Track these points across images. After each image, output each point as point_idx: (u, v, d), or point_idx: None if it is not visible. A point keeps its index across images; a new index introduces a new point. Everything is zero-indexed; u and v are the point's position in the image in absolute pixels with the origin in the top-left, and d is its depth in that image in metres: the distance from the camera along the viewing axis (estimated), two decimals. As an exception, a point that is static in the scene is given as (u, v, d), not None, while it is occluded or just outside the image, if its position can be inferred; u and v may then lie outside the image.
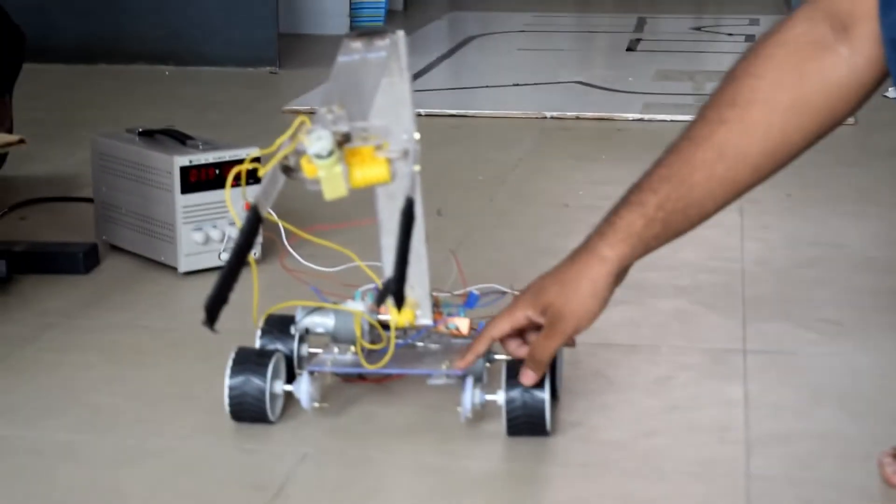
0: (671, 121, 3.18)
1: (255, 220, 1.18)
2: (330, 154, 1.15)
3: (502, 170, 2.68)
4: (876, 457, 1.32)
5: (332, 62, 1.34)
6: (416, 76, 3.63)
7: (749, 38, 4.68)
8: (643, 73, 3.87)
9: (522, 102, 3.41)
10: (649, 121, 3.20)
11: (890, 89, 3.49)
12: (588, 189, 2.53)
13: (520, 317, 1.40)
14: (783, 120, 1.29)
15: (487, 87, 3.71)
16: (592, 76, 3.79)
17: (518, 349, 1.42)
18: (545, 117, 3.24)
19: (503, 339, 1.42)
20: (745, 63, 1.32)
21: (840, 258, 2.07)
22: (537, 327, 1.40)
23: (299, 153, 1.17)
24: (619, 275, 1.37)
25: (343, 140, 1.17)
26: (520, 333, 1.42)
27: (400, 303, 1.14)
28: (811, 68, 1.28)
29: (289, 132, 1.17)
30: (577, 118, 3.23)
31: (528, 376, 1.38)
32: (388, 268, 1.49)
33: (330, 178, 1.16)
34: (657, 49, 4.44)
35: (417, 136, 1.35)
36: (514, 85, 3.70)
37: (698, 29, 5.03)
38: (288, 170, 1.18)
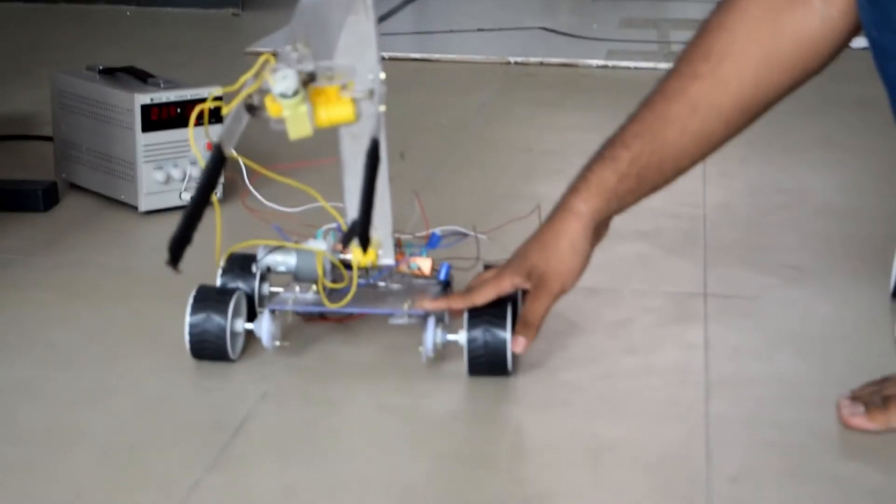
0: (635, 68, 3.18)
1: (218, 160, 1.17)
2: (295, 93, 1.14)
3: (465, 114, 2.67)
4: (835, 400, 1.33)
5: (296, 3, 1.32)
6: (380, 20, 3.60)
7: (714, -14, 4.67)
8: (607, 20, 3.86)
9: (486, 47, 3.39)
10: (613, 68, 3.19)
11: (854, 40, 3.50)
12: (551, 135, 2.52)
13: (506, 285, 1.40)
14: (756, 74, 1.29)
15: (451, 31, 3.70)
16: (557, 23, 3.78)
17: None
18: (509, 63, 3.23)
19: None
20: (719, 16, 1.32)
21: (801, 205, 2.08)
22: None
23: (263, 92, 1.16)
24: (598, 229, 1.37)
25: (308, 79, 1.16)
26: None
27: (365, 244, 1.14)
28: (784, 21, 1.28)
29: (252, 70, 1.16)
30: (541, 64, 3.22)
31: (519, 343, 1.37)
32: (352, 208, 1.49)
33: (295, 118, 1.15)
34: (622, -3, 4.43)
35: (383, 76, 1.34)
36: (478, 30, 3.69)
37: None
38: (252, 109, 1.17)
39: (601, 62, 3.22)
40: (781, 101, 1.33)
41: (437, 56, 3.28)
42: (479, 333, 1.38)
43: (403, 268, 1.50)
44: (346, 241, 1.45)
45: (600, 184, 1.35)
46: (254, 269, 1.50)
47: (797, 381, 1.43)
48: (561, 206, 1.38)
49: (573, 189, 1.37)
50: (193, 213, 1.17)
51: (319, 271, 1.44)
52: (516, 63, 3.22)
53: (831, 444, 1.29)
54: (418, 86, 2.96)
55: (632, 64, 3.20)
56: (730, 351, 1.51)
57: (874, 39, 1.24)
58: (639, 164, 1.33)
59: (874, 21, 1.23)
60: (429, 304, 1.41)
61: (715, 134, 1.33)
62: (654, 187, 1.37)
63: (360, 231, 1.17)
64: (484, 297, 1.40)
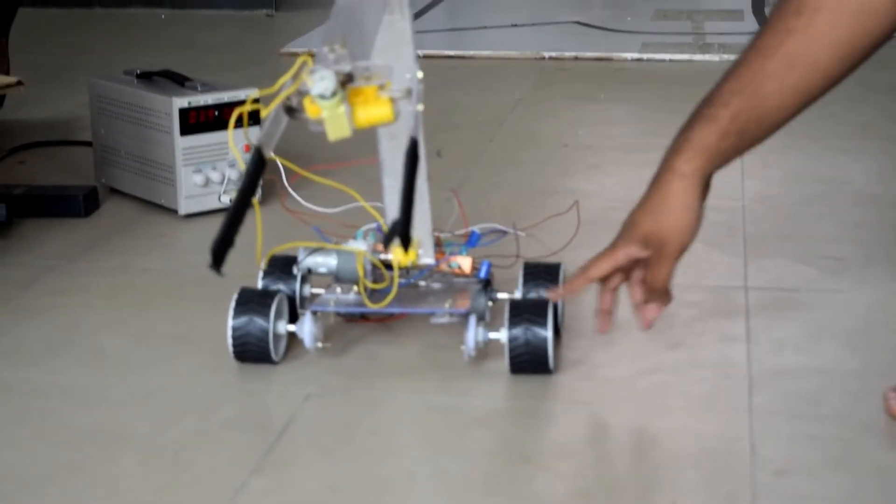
0: (670, 60, 3.17)
1: (259, 162, 1.18)
2: (333, 94, 1.14)
3: (501, 111, 2.67)
4: (879, 391, 1.33)
5: (331, 4, 1.33)
6: (413, 18, 3.60)
7: (747, -24, 4.64)
8: (641, 12, 3.85)
9: (520, 43, 3.39)
10: (648, 60, 3.18)
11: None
12: (587, 129, 2.52)
13: (620, 255, 1.39)
14: (850, 24, 1.30)
15: (485, 27, 3.69)
16: (590, 16, 3.77)
17: (609, 301, 1.44)
18: (543, 58, 3.22)
19: (601, 285, 1.43)
20: None
21: (841, 194, 2.07)
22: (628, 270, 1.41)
23: (302, 93, 1.16)
24: (704, 186, 1.37)
25: (346, 80, 1.16)
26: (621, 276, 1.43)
27: (407, 243, 1.14)
28: None
29: (291, 72, 1.17)
30: (576, 58, 3.22)
31: (652, 310, 1.40)
32: (391, 208, 1.49)
33: (333, 119, 1.15)
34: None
35: (420, 74, 1.34)
36: (512, 25, 3.68)
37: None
38: (291, 110, 1.18)
39: (636, 55, 3.21)
40: (877, 50, 1.32)
41: (471, 53, 3.28)
42: (520, 332, 1.39)
43: (444, 267, 1.50)
44: (387, 241, 1.45)
45: (702, 143, 1.36)
46: (295, 270, 1.50)
47: (840, 373, 1.43)
48: (664, 169, 1.38)
49: (674, 150, 1.38)
50: (235, 216, 1.18)
51: (360, 272, 1.45)
52: (550, 58, 3.22)
53: (875, 435, 1.29)
54: (453, 83, 2.96)
55: (667, 56, 3.19)
56: (772, 344, 1.50)
57: None
58: (739, 121, 1.34)
59: None
60: (555, 295, 1.43)
61: (813, 87, 1.34)
62: (755, 142, 1.38)
63: (402, 230, 1.17)
64: (599, 269, 1.40)
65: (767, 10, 3.80)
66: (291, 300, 1.51)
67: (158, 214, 1.99)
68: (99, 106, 2.09)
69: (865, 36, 1.31)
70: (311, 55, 1.19)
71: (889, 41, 1.34)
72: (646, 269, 1.40)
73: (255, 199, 1.22)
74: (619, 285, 1.44)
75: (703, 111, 1.36)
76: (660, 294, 1.40)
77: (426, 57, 3.15)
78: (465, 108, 2.69)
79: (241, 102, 1.95)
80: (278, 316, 1.44)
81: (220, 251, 1.18)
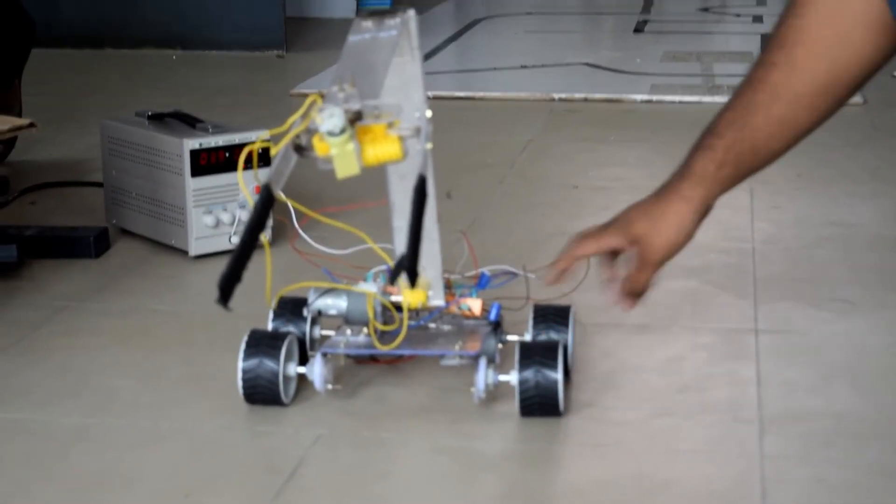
0: (679, 102, 3.18)
1: (267, 199, 1.18)
2: (342, 132, 1.14)
3: (511, 152, 2.67)
4: (891, 435, 1.32)
5: (341, 45, 1.33)
6: (423, 58, 3.62)
7: (756, 18, 4.67)
8: (651, 54, 3.86)
9: (530, 84, 3.40)
10: (657, 102, 3.19)
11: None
12: (597, 170, 2.52)
13: (606, 243, 1.44)
14: (828, 57, 1.32)
15: (495, 69, 3.71)
16: (600, 58, 3.79)
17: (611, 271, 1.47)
18: (553, 99, 3.23)
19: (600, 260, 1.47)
20: (791, 4, 1.35)
21: (851, 237, 2.07)
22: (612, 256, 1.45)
23: (311, 131, 1.16)
24: (704, 212, 1.43)
25: (355, 118, 1.16)
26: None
27: (414, 279, 1.14)
28: (851, 2, 1.30)
29: (301, 110, 1.17)
30: (586, 100, 3.23)
31: (629, 304, 1.44)
32: (401, 249, 1.49)
33: (342, 156, 1.15)
34: (665, 30, 4.43)
35: (429, 114, 1.35)
36: (522, 67, 3.69)
37: (705, 10, 5.01)
38: (300, 148, 1.18)
39: (645, 97, 3.22)
40: (861, 84, 1.34)
41: (480, 94, 3.29)
42: (530, 374, 1.38)
43: (454, 309, 1.50)
44: (393, 276, 1.46)
45: (702, 173, 1.40)
46: (305, 312, 1.50)
47: (851, 417, 1.42)
48: (670, 189, 1.43)
49: (680, 175, 1.44)
50: (243, 252, 1.18)
51: (370, 314, 1.45)
52: (560, 99, 3.22)
53: (888, 479, 1.28)
54: (463, 124, 2.97)
55: (676, 98, 3.20)
56: (783, 386, 1.50)
57: None
58: (734, 152, 1.38)
59: None
60: (549, 279, 1.46)
61: (800, 119, 1.37)
62: (753, 170, 1.43)
63: (409, 265, 1.17)
64: (584, 250, 1.45)
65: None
66: (301, 342, 1.51)
67: (169, 255, 1.99)
68: (110, 147, 2.09)
69: (844, 68, 1.33)
70: (322, 95, 1.19)
71: (874, 75, 1.35)
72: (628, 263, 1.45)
73: (266, 240, 1.23)
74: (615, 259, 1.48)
75: (703, 140, 1.42)
76: (637, 294, 1.44)
77: (436, 98, 3.16)
78: (475, 149, 2.70)
79: (252, 143, 1.95)
80: (288, 358, 1.44)
81: (227, 286, 1.18)
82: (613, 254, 1.46)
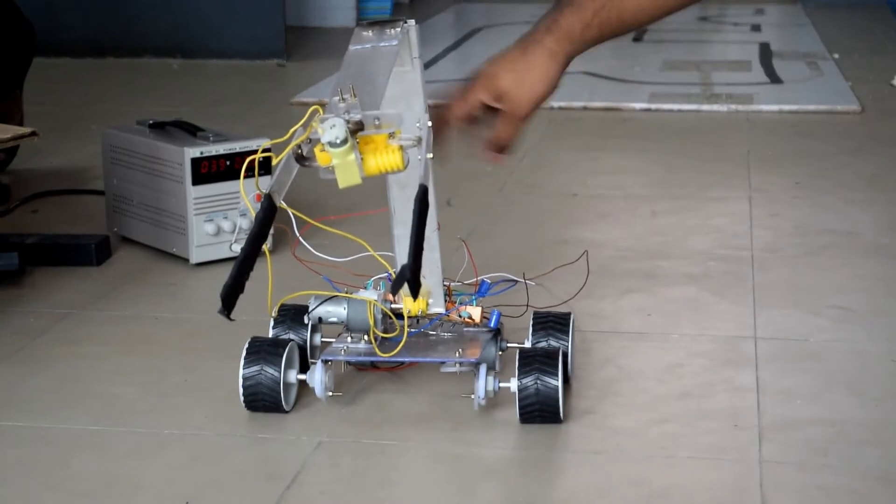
0: (678, 110, 3.19)
1: (269, 208, 1.19)
2: (343, 142, 1.15)
3: (510, 160, 2.67)
4: (889, 442, 1.32)
5: (341, 54, 1.34)
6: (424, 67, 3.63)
7: (755, 27, 4.68)
8: (650, 62, 3.87)
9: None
10: (656, 110, 3.20)
11: (897, 77, 3.50)
12: (596, 178, 2.53)
13: (474, 101, 1.45)
14: None
15: (494, 77, 3.70)
16: (599, 66, 3.79)
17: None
18: (552, 108, 3.24)
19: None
20: None
21: (849, 245, 2.08)
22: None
23: (313, 142, 1.17)
24: (566, 65, 1.46)
25: (356, 128, 1.17)
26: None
27: (416, 289, 1.15)
28: None
29: (302, 121, 1.18)
30: (585, 108, 3.23)
31: (497, 157, 1.46)
32: (401, 257, 1.50)
33: (344, 167, 1.16)
34: (663, 39, 4.44)
35: (430, 123, 1.35)
36: (521, 76, 3.69)
37: (704, 19, 5.03)
38: (301, 158, 1.19)
39: (644, 105, 3.23)
40: None
41: (480, 102, 3.29)
42: (530, 381, 1.39)
43: (454, 316, 1.50)
44: (395, 286, 1.46)
45: (568, 29, 1.43)
46: (305, 319, 1.51)
47: (850, 424, 1.42)
48: (534, 42, 1.45)
49: (546, 28, 1.45)
50: (245, 262, 1.19)
51: (371, 321, 1.45)
52: (559, 108, 3.23)
53: (887, 487, 1.28)
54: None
55: (675, 106, 3.21)
56: (782, 394, 1.50)
57: None
58: (600, 17, 1.44)
59: None
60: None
61: None
62: (615, 35, 1.45)
63: (411, 276, 1.18)
64: (458, 113, 1.45)
65: (775, 61, 3.83)
66: (302, 349, 1.52)
67: (170, 263, 2.00)
68: (112, 156, 2.10)
69: None
70: (322, 105, 1.20)
71: None
72: (493, 122, 1.46)
73: (267, 248, 1.23)
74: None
75: None
76: (504, 147, 1.46)
77: (436, 106, 3.16)
78: (475, 157, 2.70)
79: (253, 152, 1.96)
80: (289, 365, 1.45)
81: (230, 296, 1.19)
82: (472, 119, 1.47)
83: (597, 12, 1.41)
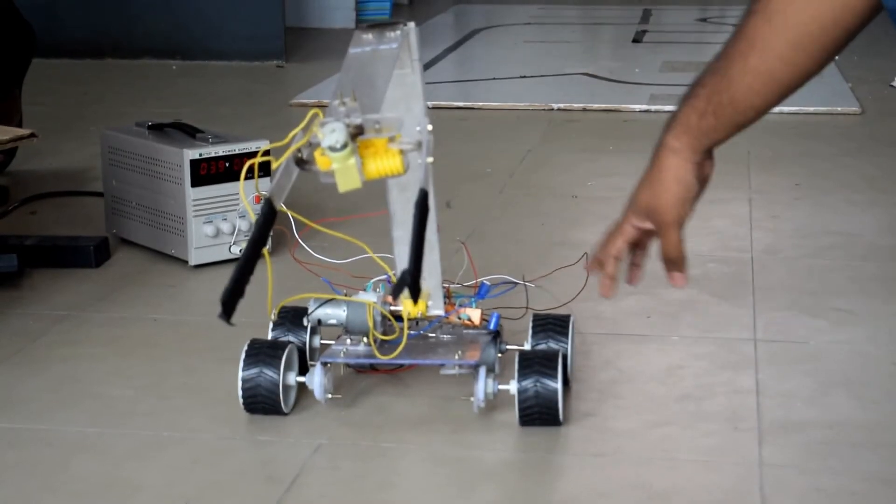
0: (678, 112, 3.18)
1: (269, 213, 1.19)
2: (344, 146, 1.15)
3: (510, 162, 2.68)
4: (890, 444, 1.32)
5: (341, 55, 1.34)
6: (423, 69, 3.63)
7: (755, 28, 4.68)
8: (650, 64, 3.87)
9: (529, 94, 3.41)
10: (656, 112, 3.20)
11: (897, 79, 3.50)
12: (596, 180, 2.53)
13: (628, 230, 1.44)
14: (803, 8, 1.30)
15: (494, 79, 3.71)
16: (599, 68, 3.80)
17: (614, 268, 1.46)
18: (552, 109, 3.24)
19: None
20: None
21: (850, 247, 2.08)
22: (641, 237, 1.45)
23: (313, 145, 1.17)
24: (700, 162, 1.40)
25: (356, 132, 1.17)
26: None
27: (417, 294, 1.15)
28: None
29: (302, 124, 1.18)
30: (585, 110, 3.23)
31: (677, 278, 1.43)
32: (401, 259, 1.50)
33: (344, 171, 1.16)
34: (663, 41, 4.44)
35: (430, 127, 1.35)
36: (521, 77, 3.70)
37: (704, 20, 5.03)
38: (301, 162, 1.19)
39: (644, 106, 3.23)
40: (839, 46, 1.32)
41: (480, 104, 3.30)
42: (530, 383, 1.39)
43: (453, 318, 1.50)
44: (396, 291, 1.46)
45: (685, 122, 1.39)
46: (305, 322, 1.51)
47: (850, 426, 1.42)
48: (659, 146, 1.43)
49: (667, 127, 1.43)
50: (245, 267, 1.19)
51: (370, 323, 1.45)
52: (559, 109, 3.23)
53: (887, 489, 1.28)
54: (462, 134, 2.98)
55: (675, 108, 3.20)
56: (782, 396, 1.50)
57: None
58: (713, 103, 1.37)
59: None
60: (606, 291, 1.45)
61: (775, 72, 1.35)
62: (736, 124, 1.39)
63: (412, 281, 1.17)
64: (616, 247, 1.44)
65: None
66: (301, 351, 1.51)
67: (169, 265, 2.00)
68: (111, 157, 2.10)
69: (819, 20, 1.30)
70: (322, 107, 1.20)
71: (854, 35, 1.33)
72: (654, 240, 1.44)
73: (266, 251, 1.23)
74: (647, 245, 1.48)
75: (690, 90, 1.40)
76: (675, 262, 1.42)
77: (435, 108, 3.16)
78: (475, 159, 2.71)
79: (252, 154, 1.96)
80: (288, 367, 1.45)
81: (230, 301, 1.19)
82: (638, 245, 1.46)
83: (709, 98, 1.36)
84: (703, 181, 1.43)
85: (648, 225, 1.43)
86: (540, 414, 1.40)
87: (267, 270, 1.36)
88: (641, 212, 1.43)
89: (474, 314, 1.50)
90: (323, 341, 1.55)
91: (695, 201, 1.42)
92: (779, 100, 1.37)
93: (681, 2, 5.56)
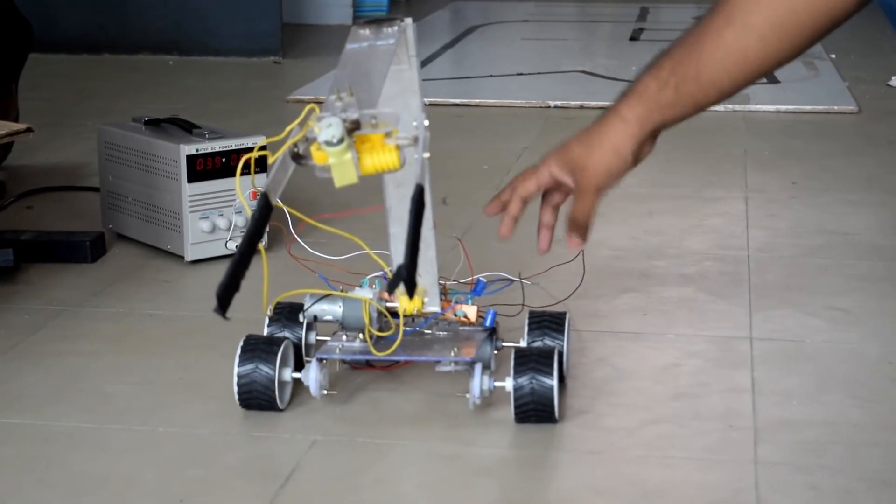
0: (675, 110, 3.18)
1: (265, 208, 1.18)
2: (340, 141, 1.15)
3: (507, 159, 2.68)
4: (885, 443, 1.32)
5: (338, 52, 1.34)
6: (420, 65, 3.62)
7: (752, 27, 4.68)
8: (646, 62, 3.87)
9: (526, 92, 3.41)
10: (653, 110, 3.19)
11: (893, 78, 3.50)
12: (593, 178, 2.52)
13: (544, 174, 1.41)
14: None
15: (491, 76, 3.71)
16: (596, 65, 3.79)
17: (550, 217, 1.47)
18: (549, 106, 3.24)
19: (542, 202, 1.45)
20: None
21: (846, 246, 2.08)
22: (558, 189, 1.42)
23: (309, 140, 1.17)
24: (644, 139, 1.36)
25: (353, 127, 1.17)
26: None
27: (412, 289, 1.15)
28: None
29: (298, 119, 1.18)
30: (581, 107, 3.23)
31: (575, 241, 1.41)
32: (397, 255, 1.50)
33: (340, 166, 1.16)
34: (660, 38, 4.44)
35: (427, 122, 1.35)
36: (518, 74, 3.70)
37: (700, 18, 5.03)
38: (298, 157, 1.18)
39: (641, 104, 3.22)
40: (819, 31, 1.28)
41: (476, 101, 3.30)
42: (525, 381, 1.39)
43: (449, 315, 1.50)
44: (391, 286, 1.46)
45: (643, 91, 1.36)
46: (301, 318, 1.51)
47: (846, 425, 1.42)
48: (609, 111, 1.39)
49: (622, 95, 1.39)
50: (241, 261, 1.18)
51: (366, 319, 1.45)
52: (556, 107, 3.23)
53: (882, 488, 1.28)
54: (459, 131, 2.98)
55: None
56: (777, 395, 1.50)
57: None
58: (677, 74, 1.33)
59: None
60: (505, 231, 1.46)
61: (749, 50, 1.31)
62: (695, 103, 1.35)
63: (407, 276, 1.17)
64: (525, 188, 1.43)
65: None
66: (297, 347, 1.51)
67: (165, 260, 1.99)
68: (107, 152, 2.10)
69: (806, 6, 1.27)
70: (319, 103, 1.20)
71: (839, 24, 1.29)
72: (567, 197, 1.42)
73: (262, 246, 1.23)
74: (560, 203, 1.46)
75: (653, 60, 1.37)
76: (579, 228, 1.40)
77: (432, 105, 3.16)
78: (471, 155, 2.70)
79: (249, 150, 1.96)
80: (284, 363, 1.45)
81: (225, 295, 1.19)
82: (546, 198, 1.43)
83: (673, 69, 1.31)
84: (636, 160, 1.40)
85: (567, 179, 1.39)
86: (535, 411, 1.39)
87: (263, 266, 1.36)
88: (566, 165, 1.39)
89: (470, 311, 1.50)
90: (319, 337, 1.55)
91: (622, 177, 1.39)
92: (743, 84, 1.33)
93: (678, 0, 5.56)
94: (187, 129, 2.02)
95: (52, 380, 1.55)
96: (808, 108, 3.16)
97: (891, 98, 3.34)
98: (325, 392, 1.44)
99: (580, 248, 1.39)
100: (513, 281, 1.69)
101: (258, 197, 1.20)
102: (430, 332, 1.50)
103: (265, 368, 1.42)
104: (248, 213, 1.93)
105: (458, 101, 3.28)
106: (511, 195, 1.43)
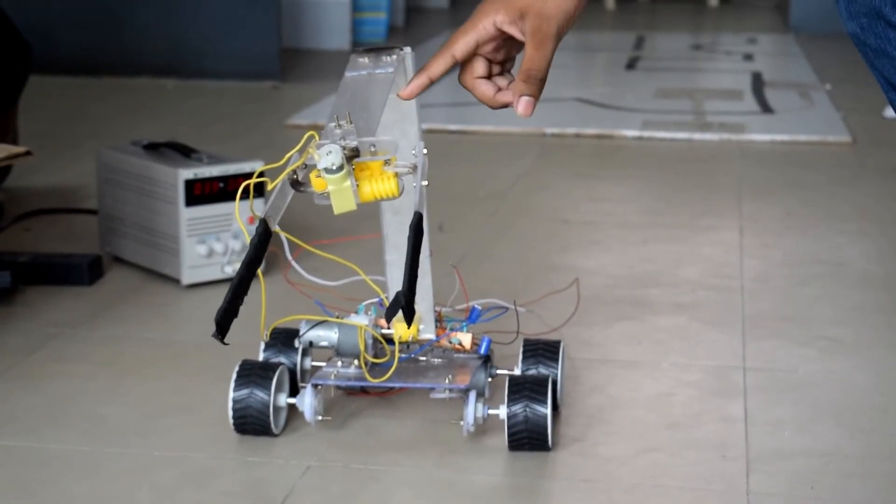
0: (670, 138, 3.20)
1: (265, 233, 1.19)
2: (340, 168, 1.16)
3: (503, 186, 2.69)
4: (877, 473, 1.33)
5: (336, 76, 1.34)
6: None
7: (747, 56, 4.70)
8: (643, 90, 3.89)
9: (522, 119, 3.41)
10: (649, 138, 3.21)
11: (887, 109, 3.51)
12: (588, 205, 2.54)
13: (487, 25, 1.24)
14: None
15: (488, 103, 3.72)
16: (592, 93, 3.81)
17: (490, 91, 1.29)
18: (545, 134, 3.25)
19: (470, 79, 1.29)
20: None
21: (839, 275, 2.09)
22: (500, 49, 1.26)
23: (308, 167, 1.18)
24: None
25: (352, 155, 1.18)
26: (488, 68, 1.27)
27: (410, 317, 1.15)
28: None
29: (298, 146, 1.18)
30: (577, 135, 3.24)
31: (525, 104, 1.24)
32: (393, 282, 1.50)
33: (339, 193, 1.17)
34: (656, 67, 4.46)
35: (425, 150, 1.36)
36: (515, 101, 3.71)
37: (697, 47, 5.05)
38: (297, 184, 1.19)
39: (636, 133, 3.24)
40: None
41: (473, 128, 3.31)
42: (519, 408, 1.39)
43: (444, 342, 1.51)
44: (390, 313, 1.46)
45: None
46: (296, 343, 1.51)
47: (838, 455, 1.43)
48: None
49: None
50: (240, 286, 1.19)
51: (361, 346, 1.46)
52: (552, 134, 3.24)
53: (873, 519, 1.29)
54: (455, 157, 2.99)
55: (667, 134, 3.22)
56: (770, 424, 1.51)
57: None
58: None
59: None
60: (405, 93, 1.29)
61: None
62: None
63: (405, 303, 1.18)
64: (463, 45, 1.26)
65: (767, 91, 3.84)
66: (292, 373, 1.52)
67: (161, 284, 2.00)
68: (105, 175, 2.10)
69: None
70: (318, 129, 1.20)
71: None
72: (512, 50, 1.25)
73: (260, 272, 1.24)
74: (498, 73, 1.27)
75: None
76: (536, 82, 1.22)
77: (429, 131, 3.18)
78: (467, 182, 2.71)
79: (247, 175, 1.97)
80: (279, 389, 1.45)
81: (224, 321, 1.19)
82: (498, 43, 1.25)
83: None
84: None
85: (514, 30, 1.23)
86: (529, 439, 1.40)
87: (261, 291, 1.37)
88: (516, 9, 1.22)
89: (465, 338, 1.51)
90: (314, 363, 1.55)
91: (576, 20, 1.22)
92: None
93: (674, 29, 5.58)
94: (185, 153, 2.03)
95: (47, 402, 1.56)
96: (802, 138, 3.18)
97: (885, 129, 3.36)
98: (320, 418, 1.45)
99: (533, 110, 1.21)
100: (507, 308, 1.69)
101: (258, 223, 1.21)
102: (424, 358, 1.51)
103: (260, 394, 1.43)
104: (247, 237, 1.93)
105: (454, 127, 3.30)
106: (443, 56, 1.29)
